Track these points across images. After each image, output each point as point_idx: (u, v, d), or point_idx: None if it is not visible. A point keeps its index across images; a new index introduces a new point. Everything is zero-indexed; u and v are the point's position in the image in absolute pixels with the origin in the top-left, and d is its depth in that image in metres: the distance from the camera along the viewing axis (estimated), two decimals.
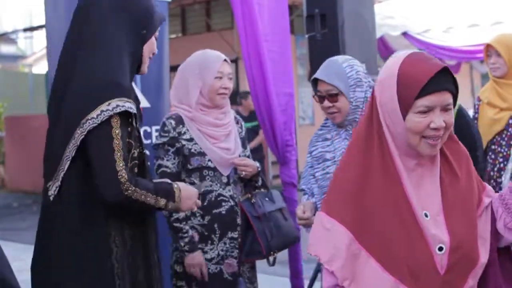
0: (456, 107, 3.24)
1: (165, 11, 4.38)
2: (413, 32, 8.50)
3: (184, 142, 3.25)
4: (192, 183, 3.21)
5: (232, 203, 3.30)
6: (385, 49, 9.50)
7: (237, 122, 3.51)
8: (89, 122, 2.21)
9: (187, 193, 2.50)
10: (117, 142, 2.24)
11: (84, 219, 2.30)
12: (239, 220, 3.31)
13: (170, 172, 3.21)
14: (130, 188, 2.23)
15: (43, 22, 4.89)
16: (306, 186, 3.06)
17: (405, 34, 8.56)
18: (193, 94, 3.28)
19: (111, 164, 2.22)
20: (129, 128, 2.33)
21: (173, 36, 14.45)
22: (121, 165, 2.22)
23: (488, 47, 4.12)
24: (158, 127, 4.20)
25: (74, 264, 2.29)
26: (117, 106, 2.23)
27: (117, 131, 2.25)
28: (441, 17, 8.52)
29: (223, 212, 3.28)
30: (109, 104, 2.22)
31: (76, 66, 2.32)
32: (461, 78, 16.23)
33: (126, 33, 2.37)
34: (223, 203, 3.28)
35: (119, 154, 2.23)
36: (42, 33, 17.27)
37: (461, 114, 3.29)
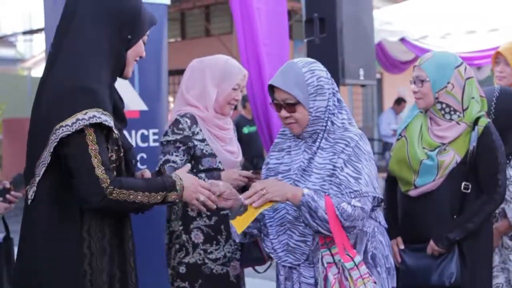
0: (483, 124, 3.03)
1: (164, 15, 4.39)
2: (411, 38, 8.49)
3: (196, 143, 3.26)
4: None
5: None
6: (383, 55, 9.51)
7: None
8: (62, 129, 2.15)
9: (188, 181, 2.42)
10: (93, 148, 2.19)
11: (59, 225, 2.26)
12: None
13: (177, 167, 3.15)
14: (114, 191, 2.18)
15: (42, 25, 4.91)
16: None
17: (403, 40, 8.56)
18: (212, 97, 3.30)
19: (90, 171, 2.17)
20: (104, 131, 2.26)
21: (172, 40, 14.47)
22: (100, 170, 2.17)
23: (498, 54, 3.93)
24: (156, 130, 4.23)
25: (48, 270, 2.26)
26: (94, 116, 2.17)
27: (91, 137, 2.19)
28: (438, 23, 8.52)
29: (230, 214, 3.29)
30: (85, 113, 2.16)
31: (53, 69, 2.27)
32: None
33: (109, 37, 2.30)
34: None
35: (96, 159, 2.18)
36: (41, 36, 17.29)
37: (487, 133, 3.05)
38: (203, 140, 3.27)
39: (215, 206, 2.53)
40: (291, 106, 2.61)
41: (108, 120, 2.22)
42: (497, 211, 3.35)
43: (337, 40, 4.68)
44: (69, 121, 2.15)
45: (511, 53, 3.85)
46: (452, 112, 3.08)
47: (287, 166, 2.71)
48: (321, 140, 2.65)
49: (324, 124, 2.65)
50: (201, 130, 3.28)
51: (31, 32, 18.09)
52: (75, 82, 2.20)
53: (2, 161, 14.80)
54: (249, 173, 3.22)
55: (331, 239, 2.51)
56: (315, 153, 2.64)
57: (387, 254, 2.72)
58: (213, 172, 3.24)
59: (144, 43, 2.45)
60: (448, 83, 3.06)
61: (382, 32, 8.39)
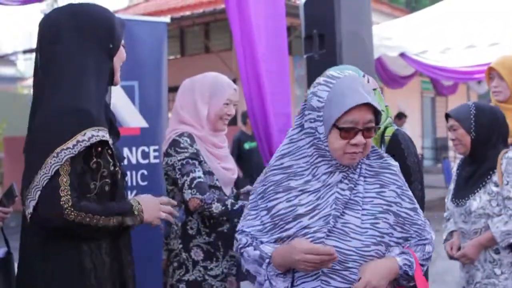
0: (390, 133, 2.90)
1: (164, 32, 4.40)
2: (411, 53, 8.52)
3: (201, 159, 3.29)
4: None
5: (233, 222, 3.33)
6: (382, 70, 9.55)
7: None
8: (64, 152, 2.18)
9: (148, 203, 2.42)
10: (66, 168, 2.19)
11: (54, 243, 2.28)
12: None
13: (205, 181, 3.23)
14: (72, 213, 2.17)
15: None
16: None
17: (402, 55, 8.58)
18: (203, 114, 3.31)
19: (55, 190, 2.17)
20: (99, 148, 2.28)
21: (171, 57, 14.51)
22: (65, 190, 2.17)
23: (490, 70, 3.91)
24: (156, 147, 4.21)
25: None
26: (92, 136, 2.21)
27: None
28: (438, 38, 8.55)
29: (225, 230, 3.32)
30: (84, 134, 2.20)
31: (44, 93, 2.30)
32: (458, 99, 16.29)
33: (93, 52, 2.34)
34: (225, 222, 3.32)
35: (64, 179, 2.18)
36: None
37: (394, 141, 2.91)
38: (201, 159, 3.31)
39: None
40: (370, 131, 2.17)
41: (105, 135, 2.26)
42: (480, 226, 3.28)
43: (336, 55, 4.69)
44: (70, 144, 2.18)
45: (503, 67, 3.85)
46: None
47: (309, 205, 2.20)
48: (361, 165, 2.25)
49: None
50: (199, 149, 3.30)
51: (32, 51, 18.13)
52: (70, 106, 2.22)
53: (3, 179, 14.79)
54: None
55: None
56: (357, 182, 2.22)
57: None
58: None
59: (124, 47, 2.49)
60: None
61: (382, 47, 8.43)
